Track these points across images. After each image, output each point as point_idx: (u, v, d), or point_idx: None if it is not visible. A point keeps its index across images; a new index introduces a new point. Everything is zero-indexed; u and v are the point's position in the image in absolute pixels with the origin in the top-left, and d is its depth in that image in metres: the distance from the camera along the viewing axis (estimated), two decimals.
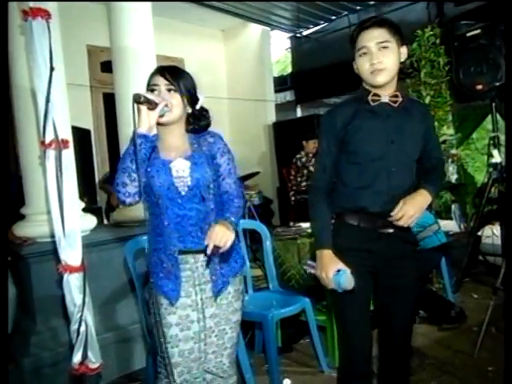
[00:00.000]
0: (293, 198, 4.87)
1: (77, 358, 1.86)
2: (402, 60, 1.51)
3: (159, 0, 4.13)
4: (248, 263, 2.72)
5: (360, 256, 1.52)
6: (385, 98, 1.51)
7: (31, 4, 1.71)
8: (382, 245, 1.53)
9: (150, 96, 1.34)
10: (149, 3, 3.00)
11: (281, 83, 7.21)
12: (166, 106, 1.37)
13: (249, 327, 2.59)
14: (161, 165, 1.42)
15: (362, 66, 1.47)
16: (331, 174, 1.58)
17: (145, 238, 1.57)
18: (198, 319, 1.47)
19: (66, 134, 1.88)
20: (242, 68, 6.71)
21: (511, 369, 1.37)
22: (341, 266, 1.46)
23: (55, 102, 1.77)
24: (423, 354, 2.50)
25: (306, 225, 3.01)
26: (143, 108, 1.33)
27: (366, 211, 1.53)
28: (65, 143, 1.82)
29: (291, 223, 3.43)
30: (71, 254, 1.83)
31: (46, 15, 1.71)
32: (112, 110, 3.21)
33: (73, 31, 4.08)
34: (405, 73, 3.69)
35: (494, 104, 3.33)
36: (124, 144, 1.42)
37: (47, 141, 1.77)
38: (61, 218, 1.79)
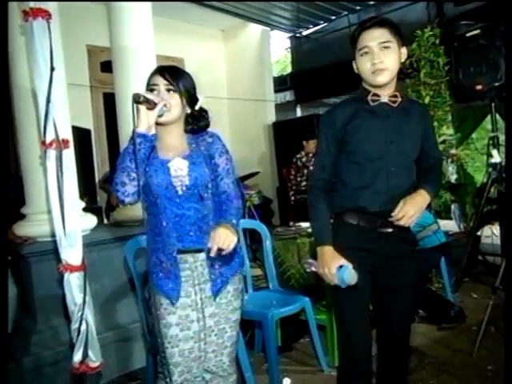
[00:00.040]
0: (293, 198, 4.88)
1: (77, 356, 1.86)
2: (402, 61, 1.51)
3: (159, 0, 4.13)
4: (248, 263, 2.73)
5: (359, 255, 1.53)
6: (384, 98, 1.51)
7: (32, 4, 1.72)
8: (381, 244, 1.54)
9: (149, 96, 1.34)
10: (149, 3, 3.01)
11: (280, 83, 7.21)
12: (165, 105, 1.38)
13: (249, 326, 2.59)
14: (159, 164, 1.43)
15: (363, 65, 1.48)
16: (330, 174, 1.58)
17: (145, 237, 1.58)
18: (198, 319, 1.47)
19: (67, 134, 1.88)
20: (242, 68, 6.72)
21: (511, 368, 1.37)
22: (343, 261, 1.46)
23: (56, 102, 1.77)
24: (422, 354, 2.51)
25: (305, 224, 3.01)
26: (142, 108, 1.33)
27: (365, 211, 1.54)
28: (65, 143, 1.83)
29: (291, 223, 3.43)
30: (72, 253, 1.83)
31: (47, 15, 1.71)
32: (112, 110, 3.21)
33: (73, 31, 4.08)
34: (404, 73, 3.69)
35: (493, 104, 3.33)
36: (124, 144, 1.43)
37: (48, 141, 1.77)
38: (61, 217, 1.80)
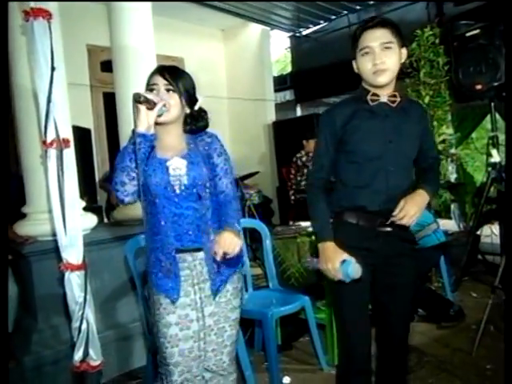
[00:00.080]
0: (292, 198, 4.88)
1: (78, 355, 1.87)
2: (402, 61, 1.52)
3: (160, 0, 4.13)
4: (248, 262, 2.74)
5: (359, 254, 1.52)
6: (383, 98, 1.52)
7: (32, 4, 1.72)
8: (380, 243, 1.54)
9: (149, 95, 1.35)
10: (149, 3, 3.01)
11: (280, 83, 7.22)
12: (164, 105, 1.38)
13: (249, 325, 2.60)
14: (157, 164, 1.43)
15: (364, 65, 1.48)
16: (328, 173, 1.60)
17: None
18: (198, 318, 1.47)
19: (67, 134, 1.89)
20: (242, 67, 6.72)
21: (511, 367, 1.37)
22: (345, 256, 1.46)
23: (56, 102, 1.78)
24: (422, 352, 2.51)
25: (305, 224, 3.02)
26: (142, 107, 1.33)
27: (364, 210, 1.54)
28: (66, 143, 1.83)
29: (291, 222, 3.45)
30: (72, 252, 1.84)
31: (47, 15, 1.72)
32: (112, 110, 3.22)
33: (73, 31, 4.08)
34: (404, 72, 3.70)
35: (493, 104, 3.34)
36: (124, 143, 1.43)
37: (48, 140, 1.78)
38: (62, 216, 1.81)
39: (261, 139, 6.66)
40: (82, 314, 1.86)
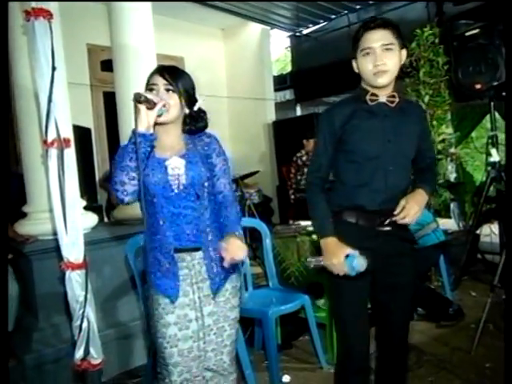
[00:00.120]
0: (292, 197, 4.90)
1: (79, 353, 1.87)
2: (402, 62, 1.53)
3: (160, 0, 4.14)
4: (248, 261, 2.75)
5: None
6: (382, 98, 1.53)
7: (33, 4, 1.72)
8: (379, 242, 1.55)
9: (149, 95, 1.34)
10: (149, 2, 3.02)
11: (280, 82, 7.22)
12: (164, 106, 1.38)
13: (249, 324, 2.61)
14: (156, 163, 1.43)
15: (365, 66, 1.49)
16: (327, 172, 1.61)
17: None
18: (197, 318, 1.47)
19: (68, 133, 1.89)
20: (242, 67, 6.72)
21: (511, 366, 1.38)
22: (349, 250, 1.46)
23: (57, 102, 1.78)
24: (421, 351, 2.52)
25: (305, 223, 3.03)
26: (142, 107, 1.33)
27: (364, 209, 1.55)
28: (66, 142, 1.83)
29: (291, 221, 3.45)
30: (73, 251, 1.84)
31: (48, 15, 1.72)
32: (112, 109, 3.22)
33: (73, 30, 4.09)
34: (404, 72, 3.70)
35: (492, 103, 3.34)
36: (124, 142, 1.44)
37: (49, 140, 1.78)
38: (63, 216, 1.81)
39: (261, 138, 6.66)
40: (83, 312, 1.86)
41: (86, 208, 2.56)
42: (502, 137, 3.46)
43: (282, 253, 2.86)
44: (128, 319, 2.62)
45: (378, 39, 1.45)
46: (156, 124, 1.40)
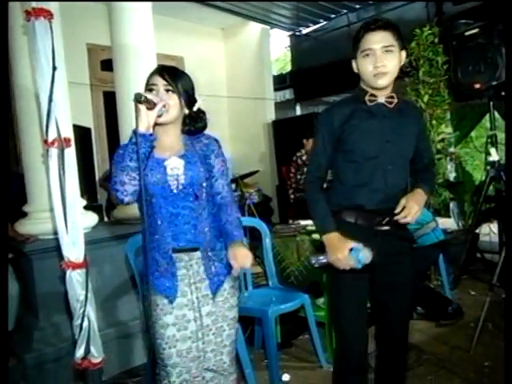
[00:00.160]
0: (292, 196, 4.90)
1: (79, 352, 1.88)
2: (402, 63, 1.54)
3: (160, 0, 4.14)
4: None
5: None
6: (381, 99, 1.54)
7: (34, 4, 1.73)
8: (378, 242, 1.55)
9: (149, 96, 1.34)
10: (149, 2, 3.02)
11: (280, 81, 7.22)
12: (164, 106, 1.38)
13: (248, 323, 2.62)
14: (155, 163, 1.43)
15: (365, 67, 1.50)
16: (325, 171, 1.62)
17: None
18: (195, 318, 1.47)
19: (68, 133, 1.89)
20: (242, 66, 6.73)
21: (511, 365, 1.38)
22: (353, 243, 1.47)
23: (57, 101, 1.78)
24: (420, 350, 2.53)
25: (305, 222, 3.04)
26: (143, 108, 1.33)
27: (362, 209, 1.56)
28: (67, 142, 1.83)
29: (290, 221, 3.46)
30: (74, 250, 1.84)
31: (49, 15, 1.72)
32: (112, 109, 3.23)
33: (73, 30, 4.09)
34: (403, 71, 3.71)
35: (491, 102, 3.35)
36: (124, 142, 1.44)
37: (50, 139, 1.78)
38: (63, 215, 1.81)
39: (260, 138, 6.67)
40: (84, 311, 1.87)
41: (86, 207, 2.57)
42: (501, 136, 3.47)
43: (282, 252, 2.87)
44: (128, 318, 2.63)
45: (378, 41, 1.46)
46: (156, 124, 1.40)
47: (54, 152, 1.80)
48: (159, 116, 1.38)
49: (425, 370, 2.35)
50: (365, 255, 1.44)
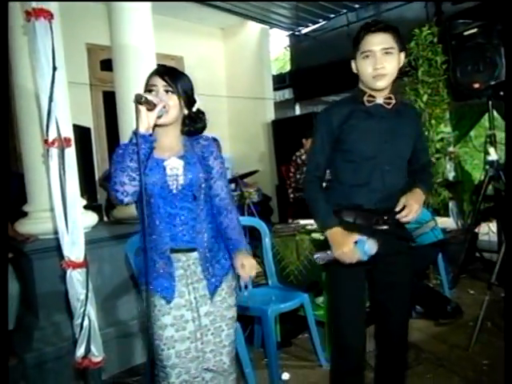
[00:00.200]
0: (291, 196, 4.90)
1: (80, 351, 1.88)
2: (401, 65, 1.55)
3: (160, 0, 4.14)
4: None
5: None
6: (379, 100, 1.55)
7: (34, 5, 1.73)
8: (377, 241, 1.56)
9: (150, 97, 1.35)
10: (149, 2, 3.03)
11: (280, 81, 7.22)
12: (164, 107, 1.38)
13: (248, 322, 2.62)
14: (154, 163, 1.43)
15: (365, 69, 1.51)
16: (324, 171, 1.63)
17: None
18: (193, 318, 1.47)
19: (68, 133, 1.90)
20: (241, 66, 6.73)
21: (511, 364, 1.39)
22: (357, 236, 1.48)
23: (58, 101, 1.79)
24: (419, 349, 2.54)
25: (304, 221, 3.05)
26: (143, 108, 1.33)
27: (361, 208, 1.57)
28: (67, 142, 1.84)
29: (290, 220, 3.47)
30: (74, 250, 1.85)
31: (49, 16, 1.73)
32: (112, 108, 3.23)
33: (72, 30, 4.09)
34: (402, 71, 3.72)
35: (490, 102, 3.36)
36: (124, 142, 1.44)
37: (50, 139, 1.79)
38: (64, 215, 1.82)
39: (260, 138, 6.67)
40: (84, 310, 1.87)
41: (85, 207, 2.57)
42: (500, 136, 3.48)
43: (282, 251, 2.88)
44: (128, 318, 2.64)
45: (378, 43, 1.47)
46: (155, 125, 1.40)
47: (54, 152, 1.81)
48: (159, 117, 1.38)
49: (424, 368, 2.36)
50: (370, 246, 1.44)
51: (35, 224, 2.45)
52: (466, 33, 3.40)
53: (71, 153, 1.89)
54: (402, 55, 1.54)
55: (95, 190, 4.77)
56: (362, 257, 1.46)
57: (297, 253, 2.79)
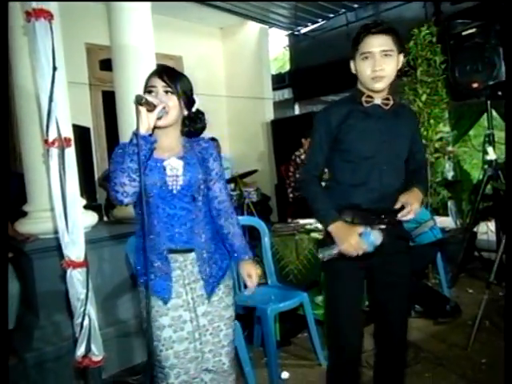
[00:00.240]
0: (291, 195, 4.91)
1: (80, 351, 1.88)
2: (399, 67, 1.56)
3: (160, 0, 4.15)
4: None
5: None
6: (377, 101, 1.56)
7: (34, 5, 1.73)
8: None
9: (150, 98, 1.35)
10: (148, 2, 3.03)
11: (279, 81, 7.23)
12: (164, 108, 1.38)
13: (248, 321, 2.63)
14: (154, 164, 1.43)
15: (364, 70, 1.51)
16: (322, 170, 1.64)
17: None
18: (191, 319, 1.47)
19: (68, 133, 1.90)
20: (241, 66, 6.73)
21: (511, 364, 1.40)
22: (360, 228, 1.48)
23: (58, 101, 1.79)
24: (418, 348, 2.55)
25: (303, 221, 3.06)
26: (143, 110, 1.33)
27: (359, 208, 1.57)
28: (67, 141, 1.84)
29: (289, 219, 3.48)
30: (74, 249, 1.85)
31: (49, 16, 1.73)
32: (111, 108, 3.23)
33: (71, 30, 4.08)
34: (401, 71, 3.72)
35: (489, 102, 3.37)
36: (123, 142, 1.45)
37: (50, 139, 1.79)
38: (64, 215, 1.82)
39: (259, 137, 6.67)
40: (84, 310, 1.87)
41: (85, 207, 2.57)
42: (498, 135, 3.49)
43: (281, 251, 2.89)
44: (128, 317, 2.64)
45: (378, 45, 1.48)
46: (155, 127, 1.40)
47: (54, 152, 1.81)
48: (159, 118, 1.38)
49: (422, 367, 2.37)
50: (375, 236, 1.45)
51: (35, 224, 2.46)
52: (464, 33, 3.41)
53: (71, 153, 1.89)
54: (401, 57, 1.55)
55: (95, 189, 4.77)
56: (368, 248, 1.46)
57: (296, 252, 2.80)
